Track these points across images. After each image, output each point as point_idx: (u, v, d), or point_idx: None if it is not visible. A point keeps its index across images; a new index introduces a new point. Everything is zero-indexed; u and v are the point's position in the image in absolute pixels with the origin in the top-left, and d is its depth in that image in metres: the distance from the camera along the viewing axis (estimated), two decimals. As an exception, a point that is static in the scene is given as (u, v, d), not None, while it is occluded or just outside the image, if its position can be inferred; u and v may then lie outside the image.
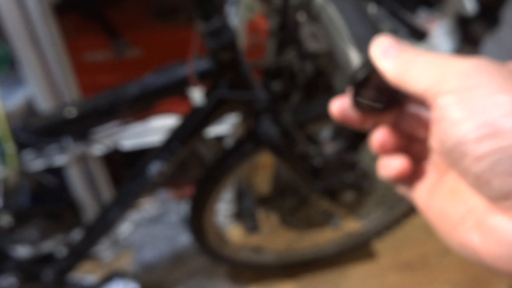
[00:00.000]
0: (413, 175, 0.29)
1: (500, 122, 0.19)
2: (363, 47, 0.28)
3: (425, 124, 0.29)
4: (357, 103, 0.29)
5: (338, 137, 1.64)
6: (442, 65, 0.23)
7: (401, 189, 0.31)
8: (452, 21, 1.34)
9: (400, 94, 0.29)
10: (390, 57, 0.25)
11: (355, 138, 1.61)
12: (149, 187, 0.78)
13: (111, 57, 0.86)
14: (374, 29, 0.30)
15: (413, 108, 0.30)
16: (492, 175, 0.20)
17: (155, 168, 0.75)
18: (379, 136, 0.29)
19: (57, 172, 1.06)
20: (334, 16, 0.31)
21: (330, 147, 1.62)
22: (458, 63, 0.22)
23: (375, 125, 0.31)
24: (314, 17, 0.34)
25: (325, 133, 1.66)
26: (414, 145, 0.30)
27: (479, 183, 0.21)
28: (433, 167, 0.28)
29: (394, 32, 0.40)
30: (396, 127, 0.30)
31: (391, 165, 0.29)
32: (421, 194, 0.28)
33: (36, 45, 0.75)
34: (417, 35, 0.37)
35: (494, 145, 0.19)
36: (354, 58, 0.28)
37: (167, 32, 0.87)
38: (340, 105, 0.31)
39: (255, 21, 0.94)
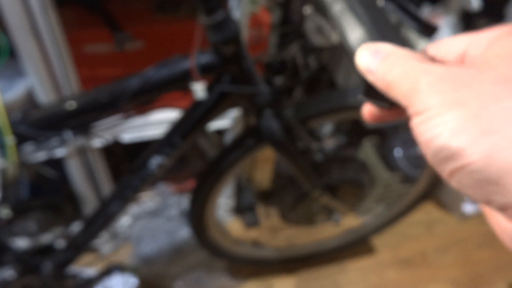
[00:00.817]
0: None
1: (451, 144, 0.20)
2: (378, 39, 0.28)
3: None
4: (371, 99, 0.28)
5: (339, 132, 1.63)
6: (413, 78, 0.22)
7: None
8: (455, 17, 1.33)
9: None
10: (377, 60, 0.25)
11: (355, 134, 1.60)
12: (150, 181, 0.77)
13: (112, 50, 0.85)
14: (384, 25, 0.29)
15: None
16: (464, 190, 0.20)
17: (156, 162, 0.74)
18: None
19: (57, 164, 1.05)
20: (343, 11, 0.31)
21: (331, 143, 1.62)
22: (424, 78, 0.22)
23: (401, 116, 0.30)
24: (322, 11, 0.33)
25: (326, 128, 1.66)
26: None
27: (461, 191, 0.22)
28: None
29: (403, 26, 0.39)
30: None
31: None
32: None
33: (36, 36, 0.74)
34: (427, 30, 0.37)
35: (452, 166, 0.20)
36: None
37: (168, 24, 0.86)
38: (370, 109, 0.30)
39: (258, 15, 0.93)
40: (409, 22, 0.38)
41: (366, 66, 0.25)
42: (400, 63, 0.24)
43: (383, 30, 0.28)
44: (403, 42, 0.28)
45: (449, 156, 0.20)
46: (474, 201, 0.22)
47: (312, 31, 0.53)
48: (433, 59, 0.26)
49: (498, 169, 0.19)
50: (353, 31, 0.30)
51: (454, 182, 0.21)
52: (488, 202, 0.20)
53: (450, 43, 0.26)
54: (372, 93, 0.28)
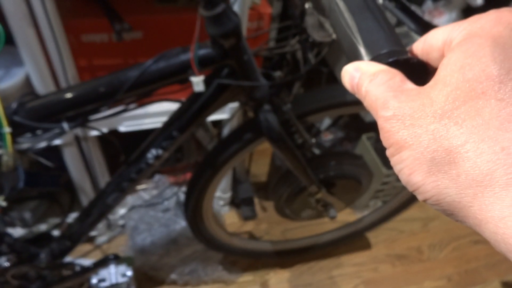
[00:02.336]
0: None
1: (410, 180, 0.22)
2: (371, 44, 0.27)
3: None
4: None
5: (337, 127, 1.63)
6: (374, 107, 0.24)
7: None
8: (458, 13, 1.32)
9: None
10: (358, 91, 0.27)
11: (353, 130, 1.60)
12: (147, 173, 0.77)
13: (110, 40, 0.84)
14: (380, 26, 0.29)
15: None
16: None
17: (153, 154, 0.74)
18: None
19: (54, 154, 1.05)
20: (343, 10, 0.30)
21: (328, 138, 1.61)
22: (380, 119, 0.23)
23: None
24: (322, 9, 0.33)
25: (324, 123, 1.65)
26: None
27: None
28: None
29: (402, 25, 0.39)
30: None
31: None
32: None
33: (33, 25, 0.73)
34: (426, 30, 0.36)
35: (421, 198, 0.22)
36: (363, 56, 0.28)
37: (167, 15, 0.85)
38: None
39: (258, 8, 0.92)
40: (409, 21, 0.37)
41: (349, 87, 0.27)
42: (369, 87, 0.25)
43: (372, 36, 0.28)
44: (393, 45, 0.27)
45: (413, 190, 0.22)
46: None
47: (313, 26, 0.52)
48: (418, 60, 0.27)
49: (448, 204, 0.20)
50: (346, 39, 0.30)
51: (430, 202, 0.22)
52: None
53: (433, 36, 0.26)
54: None
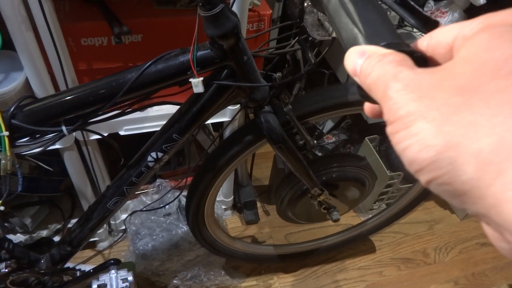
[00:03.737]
0: None
1: (419, 157, 0.20)
2: (372, 36, 0.27)
3: None
4: (364, 95, 0.27)
5: (340, 130, 1.62)
6: (379, 93, 0.23)
7: None
8: (460, 12, 1.31)
9: None
10: (358, 73, 0.25)
11: (356, 132, 1.59)
12: (147, 177, 0.76)
13: (109, 43, 0.83)
14: (382, 19, 0.28)
15: None
16: (442, 197, 0.21)
17: (153, 157, 0.73)
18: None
19: (54, 160, 1.04)
20: (341, 5, 0.30)
21: (331, 140, 1.60)
22: (386, 97, 0.22)
23: None
24: (321, 5, 0.32)
25: (327, 126, 1.64)
26: None
27: None
28: None
29: (404, 21, 0.38)
30: None
31: None
32: None
33: (32, 29, 0.72)
34: (427, 26, 0.36)
35: (425, 179, 0.20)
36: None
37: (166, 17, 0.84)
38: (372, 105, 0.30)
39: (258, 9, 0.91)
40: (410, 17, 0.36)
41: (352, 68, 0.25)
42: (377, 65, 0.23)
43: (374, 27, 0.27)
44: (395, 38, 0.26)
45: (420, 169, 0.20)
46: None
47: (312, 24, 0.51)
48: (421, 54, 0.26)
49: (462, 183, 0.19)
50: (346, 29, 0.29)
51: (432, 190, 0.21)
52: (465, 210, 0.20)
53: (441, 32, 0.25)
54: (364, 91, 0.27)
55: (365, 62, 0.24)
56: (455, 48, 0.23)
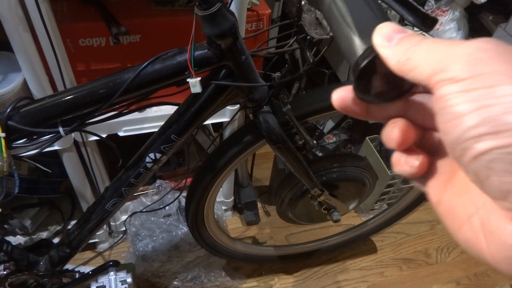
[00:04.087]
0: (428, 169, 0.28)
1: (502, 119, 0.18)
2: (366, 34, 0.26)
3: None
4: (360, 94, 0.26)
5: (340, 129, 1.61)
6: (445, 50, 0.21)
7: (415, 183, 0.29)
8: (461, 10, 1.31)
9: (407, 83, 0.26)
10: (393, 44, 0.24)
11: (357, 131, 1.58)
12: (146, 178, 0.76)
13: (107, 44, 0.83)
14: (378, 16, 0.28)
15: (421, 97, 0.28)
16: (490, 173, 0.19)
17: (152, 158, 0.72)
18: (395, 131, 0.27)
19: (53, 161, 1.04)
20: (337, 2, 0.29)
21: (332, 140, 1.59)
22: (462, 46, 0.21)
23: (381, 117, 0.29)
24: (317, 3, 0.31)
25: (327, 126, 1.63)
26: (427, 136, 0.28)
27: (479, 181, 0.20)
28: (445, 161, 0.27)
29: (402, 19, 0.37)
30: (405, 118, 0.28)
31: (409, 162, 0.27)
32: (434, 188, 0.27)
33: (29, 30, 0.72)
34: (426, 23, 0.35)
35: (493, 143, 0.18)
36: (358, 45, 0.26)
37: (164, 18, 0.84)
38: (342, 95, 0.29)
39: (257, 9, 0.91)
40: (408, 15, 0.36)
41: (384, 35, 0.24)
42: (427, 41, 0.23)
43: (368, 27, 0.27)
44: None
45: (495, 130, 0.18)
46: (492, 191, 0.20)
47: (310, 23, 0.51)
48: None
49: None
50: (340, 30, 0.28)
51: (484, 161, 0.19)
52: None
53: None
54: (372, 84, 0.26)
55: (406, 36, 0.24)
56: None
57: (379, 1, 0.31)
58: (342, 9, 0.28)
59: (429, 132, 0.28)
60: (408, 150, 0.27)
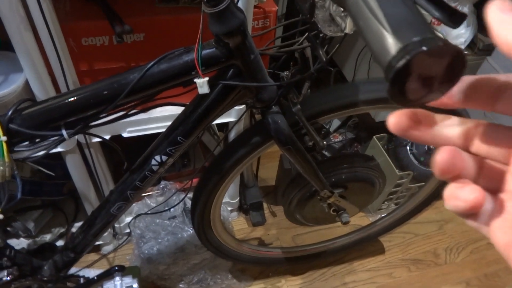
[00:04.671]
0: (492, 208, 0.24)
1: None
2: (401, 31, 0.24)
3: (507, 146, 0.24)
4: (394, 97, 0.24)
5: (347, 128, 1.59)
6: None
7: (471, 223, 0.26)
8: (470, 6, 1.28)
9: (445, 85, 0.24)
10: (509, 16, 0.20)
11: (364, 130, 1.55)
12: (152, 181, 0.74)
13: (111, 42, 0.81)
14: (413, 10, 0.25)
15: (494, 126, 0.25)
16: None
17: (157, 161, 0.70)
18: (442, 157, 0.24)
19: (57, 162, 1.02)
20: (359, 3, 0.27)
21: (338, 139, 1.57)
22: None
23: (444, 142, 0.26)
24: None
25: (333, 124, 1.61)
26: (487, 169, 0.25)
27: None
28: None
29: (430, 14, 0.35)
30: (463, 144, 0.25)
31: (461, 196, 0.23)
32: (500, 231, 0.24)
33: (31, 29, 0.70)
34: (454, 19, 0.32)
35: None
36: (391, 44, 0.24)
37: (169, 15, 0.82)
38: (398, 121, 0.26)
39: (263, 6, 0.88)
40: (434, 10, 0.34)
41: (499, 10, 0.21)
42: None
43: (401, 21, 0.24)
44: (429, 32, 0.24)
45: None
46: None
47: (324, 20, 0.48)
48: (456, 47, 0.23)
49: None
50: (369, 26, 0.26)
51: None
52: None
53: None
54: (408, 86, 0.24)
55: None
56: None
57: None
58: (371, 3, 0.26)
59: (493, 164, 0.25)
60: (461, 183, 0.24)
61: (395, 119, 0.26)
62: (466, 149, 0.25)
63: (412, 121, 0.25)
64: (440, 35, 0.24)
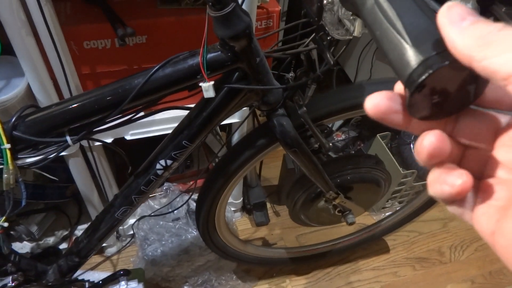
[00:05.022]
0: (476, 194, 0.24)
1: None
2: (422, 43, 0.23)
3: (489, 132, 0.24)
4: (413, 110, 0.24)
5: (349, 127, 1.58)
6: None
7: (454, 209, 0.25)
8: (473, 2, 1.27)
9: (466, 98, 0.24)
10: (465, 24, 0.20)
11: (367, 129, 1.55)
12: (156, 185, 0.73)
13: (113, 45, 0.80)
14: (434, 20, 0.24)
15: (474, 112, 0.24)
16: None
17: (162, 165, 0.70)
18: (431, 141, 0.23)
19: (60, 165, 1.02)
20: (378, 7, 0.26)
21: (341, 138, 1.56)
22: None
23: (422, 129, 0.25)
24: (354, 5, 0.28)
25: (336, 123, 1.60)
26: (470, 156, 0.25)
27: None
28: (501, 185, 0.23)
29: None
30: (451, 133, 0.25)
31: (449, 181, 0.23)
32: (485, 217, 0.24)
33: (32, 33, 0.69)
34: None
35: None
36: (411, 57, 0.23)
37: (171, 17, 0.81)
38: (377, 102, 0.25)
39: (267, 6, 0.87)
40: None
41: (454, 18, 0.21)
42: (502, 33, 0.20)
43: (422, 33, 0.24)
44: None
45: None
46: None
47: (332, 23, 0.48)
48: None
49: None
50: (387, 37, 0.25)
51: None
52: None
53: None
54: (426, 99, 0.23)
55: (485, 21, 0.20)
56: None
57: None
58: (389, 13, 0.25)
59: (475, 151, 0.25)
60: (448, 168, 0.24)
61: (373, 101, 0.24)
62: (449, 134, 0.25)
63: (392, 102, 0.25)
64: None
